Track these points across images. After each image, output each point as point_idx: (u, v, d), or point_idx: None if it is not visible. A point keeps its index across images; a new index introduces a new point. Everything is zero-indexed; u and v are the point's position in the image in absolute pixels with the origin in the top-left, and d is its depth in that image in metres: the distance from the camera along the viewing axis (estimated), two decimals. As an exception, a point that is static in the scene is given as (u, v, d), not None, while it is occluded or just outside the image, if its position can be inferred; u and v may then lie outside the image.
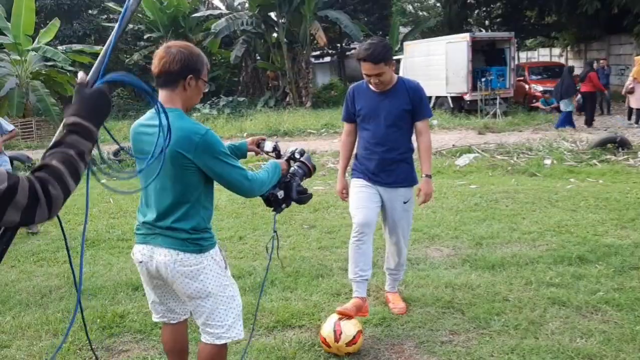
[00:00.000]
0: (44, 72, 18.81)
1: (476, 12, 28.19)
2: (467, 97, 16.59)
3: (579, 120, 14.13)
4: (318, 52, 27.92)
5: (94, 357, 2.52)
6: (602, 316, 3.49)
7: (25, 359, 3.32)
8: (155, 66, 2.21)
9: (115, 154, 11.73)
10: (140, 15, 22.75)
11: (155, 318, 2.56)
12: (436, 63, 17.11)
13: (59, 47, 19.31)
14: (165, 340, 2.60)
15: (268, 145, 2.70)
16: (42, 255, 5.34)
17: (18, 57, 17.58)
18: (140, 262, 2.34)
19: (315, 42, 22.75)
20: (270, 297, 3.99)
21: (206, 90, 2.36)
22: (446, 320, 3.53)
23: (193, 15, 23.31)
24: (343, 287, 4.07)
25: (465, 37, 16.79)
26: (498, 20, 27.14)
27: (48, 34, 18.08)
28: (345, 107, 3.67)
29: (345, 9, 23.96)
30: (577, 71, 17.05)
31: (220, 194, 2.73)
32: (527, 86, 18.31)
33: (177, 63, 2.17)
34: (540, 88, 17.65)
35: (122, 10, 1.68)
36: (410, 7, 32.02)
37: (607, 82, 16.00)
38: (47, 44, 18.04)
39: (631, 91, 13.33)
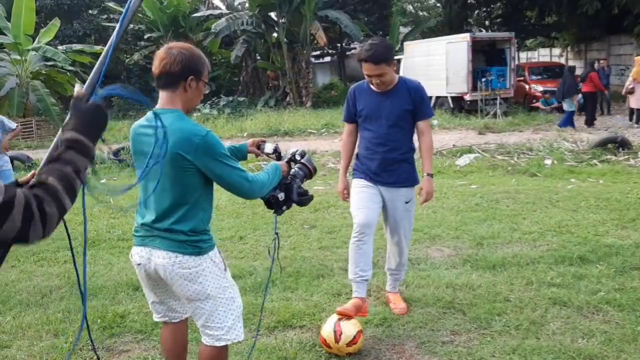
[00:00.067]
0: (44, 72, 18.83)
1: (476, 12, 28.20)
2: (467, 97, 16.59)
3: (579, 120, 14.13)
4: (318, 52, 27.91)
5: (95, 358, 2.51)
6: (603, 316, 3.49)
7: (26, 359, 3.32)
8: (156, 67, 2.21)
9: (116, 153, 11.75)
10: (141, 15, 22.74)
11: (156, 318, 2.56)
12: (436, 63, 17.10)
13: (59, 47, 19.34)
14: (164, 341, 2.60)
15: (268, 147, 2.70)
16: (42, 255, 5.33)
17: (18, 57, 17.59)
18: (139, 264, 2.33)
19: (315, 42, 22.75)
20: (271, 297, 3.99)
21: (207, 91, 2.35)
22: (447, 321, 3.53)
23: (193, 15, 23.32)
24: (344, 287, 4.06)
25: (465, 37, 16.79)
26: (498, 20, 27.13)
27: (48, 33, 18.09)
28: (346, 107, 3.66)
29: (345, 9, 23.95)
30: (578, 71, 17.05)
31: (221, 194, 2.73)
32: (527, 86, 18.32)
33: (178, 64, 2.17)
34: (540, 88, 17.65)
35: (123, 10, 1.68)
36: (411, 7, 32.03)
37: (607, 82, 16.00)
38: (47, 43, 18.06)
39: (631, 91, 13.32)
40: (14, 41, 16.72)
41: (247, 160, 2.86)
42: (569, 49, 24.79)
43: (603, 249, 4.70)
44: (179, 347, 2.59)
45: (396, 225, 3.59)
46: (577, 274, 4.17)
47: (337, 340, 3.11)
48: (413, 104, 3.46)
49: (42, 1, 23.54)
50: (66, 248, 5.25)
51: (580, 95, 14.31)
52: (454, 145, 11.23)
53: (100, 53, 1.64)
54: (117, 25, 1.63)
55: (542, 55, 28.21)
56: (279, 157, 2.68)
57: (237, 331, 2.37)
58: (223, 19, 21.53)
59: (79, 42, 22.16)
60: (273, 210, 2.56)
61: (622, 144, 9.69)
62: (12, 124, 6.14)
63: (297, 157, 2.66)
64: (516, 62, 18.45)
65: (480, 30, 26.76)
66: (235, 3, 25.93)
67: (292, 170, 2.63)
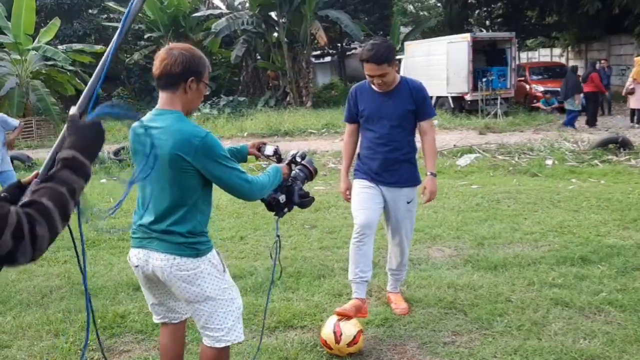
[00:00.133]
0: (44, 72, 18.82)
1: (477, 12, 28.19)
2: (468, 97, 16.58)
3: (580, 121, 14.12)
4: (318, 52, 27.89)
5: (102, 358, 2.52)
6: (605, 317, 3.48)
7: (26, 359, 3.31)
8: (156, 68, 2.20)
9: (116, 153, 11.75)
10: (141, 15, 22.70)
11: (156, 319, 2.55)
12: (437, 63, 17.09)
13: (59, 47, 19.32)
14: (163, 342, 2.58)
15: (269, 149, 2.69)
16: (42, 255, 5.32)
17: (18, 57, 17.58)
18: (136, 266, 2.32)
19: (315, 41, 22.73)
20: (272, 297, 3.97)
21: (207, 92, 2.34)
22: (449, 321, 3.52)
23: (193, 14, 23.30)
24: (345, 288, 4.05)
25: (466, 37, 16.78)
26: (499, 20, 27.12)
27: (48, 33, 18.08)
28: (348, 107, 3.65)
29: (345, 9, 23.93)
30: (580, 71, 17.05)
31: (221, 194, 2.71)
32: (528, 86, 18.30)
33: (178, 65, 2.16)
34: (541, 88, 17.63)
35: (124, 11, 1.67)
36: (411, 7, 32.03)
37: (607, 82, 15.99)
38: (48, 43, 18.06)
39: (631, 92, 13.32)
40: (14, 41, 16.71)
41: (247, 161, 2.85)
42: (569, 49, 24.79)
43: (605, 249, 4.69)
44: (178, 348, 2.58)
45: (398, 225, 3.58)
46: (579, 274, 4.16)
47: (337, 341, 3.10)
48: (415, 104, 3.45)
49: (42, 1, 23.51)
50: (66, 248, 5.24)
51: (581, 95, 14.29)
52: (454, 145, 11.22)
53: (101, 52, 1.64)
54: (117, 32, 1.61)
55: (543, 55, 28.20)
56: (279, 160, 2.67)
57: (237, 332, 2.36)
58: (223, 19, 21.52)
59: (79, 42, 22.14)
60: (274, 213, 2.55)
61: (623, 144, 9.68)
62: (15, 122, 6.14)
63: (298, 159, 2.65)
64: (517, 62, 18.43)
65: (481, 30, 26.74)
66: (236, 3, 25.92)
67: (293, 172, 2.61)
